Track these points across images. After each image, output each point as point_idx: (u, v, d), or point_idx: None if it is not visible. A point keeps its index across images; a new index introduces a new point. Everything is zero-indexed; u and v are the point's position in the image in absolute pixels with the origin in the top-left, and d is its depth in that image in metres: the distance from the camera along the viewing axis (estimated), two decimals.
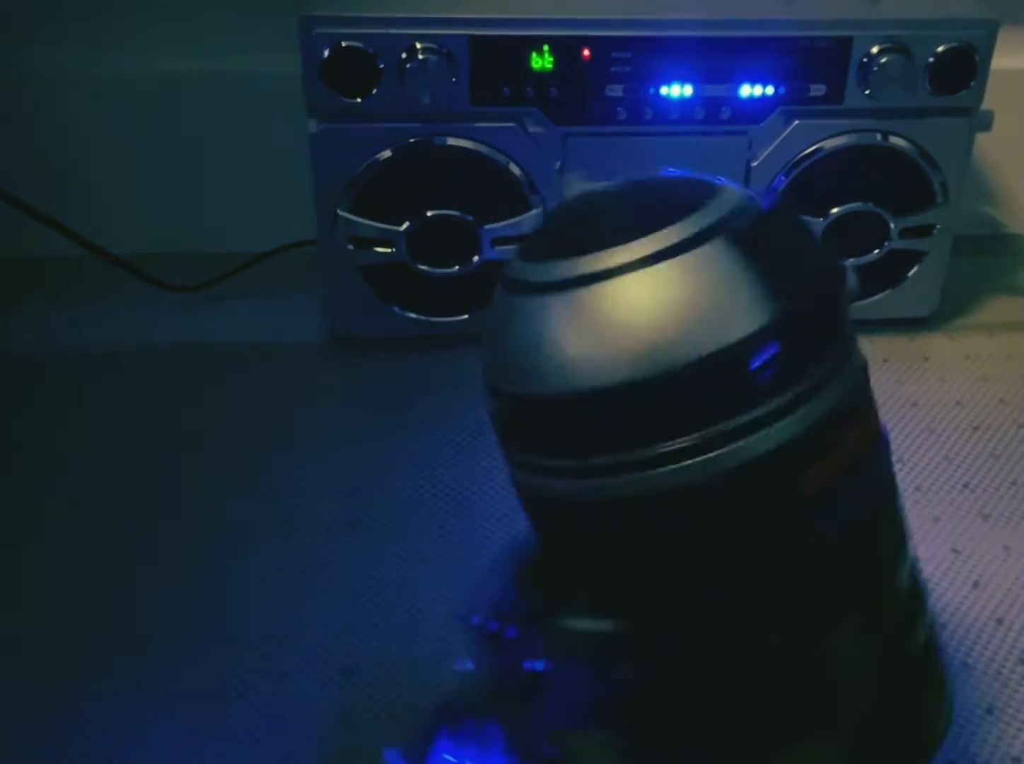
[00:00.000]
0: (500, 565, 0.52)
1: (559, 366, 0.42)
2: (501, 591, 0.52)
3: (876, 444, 0.47)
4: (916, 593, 0.50)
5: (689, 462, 0.42)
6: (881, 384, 0.96)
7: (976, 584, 0.76)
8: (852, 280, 0.46)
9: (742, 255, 0.42)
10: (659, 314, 0.41)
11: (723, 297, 0.41)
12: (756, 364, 0.41)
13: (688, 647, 0.46)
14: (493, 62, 0.88)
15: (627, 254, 0.42)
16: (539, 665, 0.50)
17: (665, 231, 0.42)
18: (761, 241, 0.43)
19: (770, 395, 0.42)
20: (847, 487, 0.45)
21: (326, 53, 0.86)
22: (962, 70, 0.91)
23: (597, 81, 0.89)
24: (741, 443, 0.42)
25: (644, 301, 0.41)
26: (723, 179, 0.46)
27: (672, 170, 0.48)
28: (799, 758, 0.47)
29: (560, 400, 0.42)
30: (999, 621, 0.73)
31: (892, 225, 0.97)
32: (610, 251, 0.42)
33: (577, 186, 0.93)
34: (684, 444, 0.42)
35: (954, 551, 0.79)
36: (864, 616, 0.47)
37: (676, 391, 0.41)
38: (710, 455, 0.42)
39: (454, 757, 0.54)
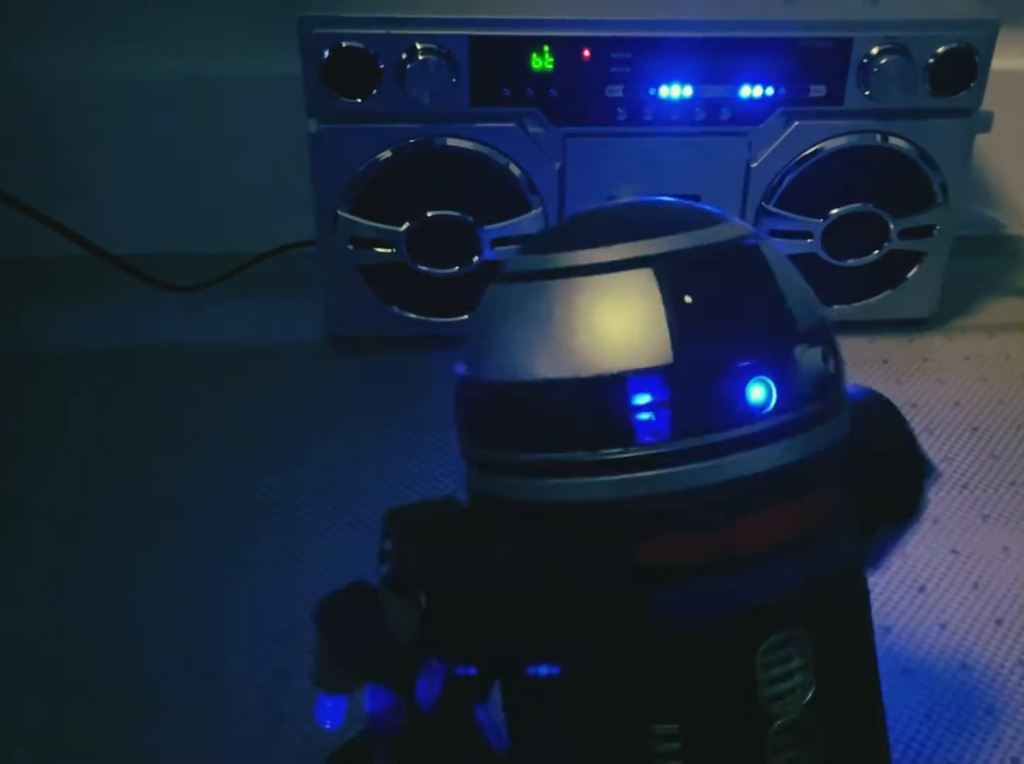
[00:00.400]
0: None
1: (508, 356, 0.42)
2: None
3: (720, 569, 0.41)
4: None
5: (577, 480, 0.41)
6: (880, 385, 0.95)
7: (975, 585, 0.76)
8: (813, 357, 0.42)
9: (660, 292, 0.40)
10: (570, 323, 0.41)
11: (633, 325, 0.40)
12: (635, 402, 0.39)
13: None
14: (493, 62, 0.88)
15: (569, 259, 0.42)
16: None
17: (616, 247, 0.41)
18: (692, 286, 0.41)
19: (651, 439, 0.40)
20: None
21: (326, 53, 0.86)
22: (962, 71, 0.92)
23: (597, 81, 0.89)
24: (583, 480, 0.40)
25: (565, 307, 0.41)
26: (725, 214, 0.44)
27: (693, 202, 0.47)
28: None
29: (506, 389, 0.42)
30: (998, 622, 0.73)
31: (892, 226, 0.97)
32: (565, 254, 0.42)
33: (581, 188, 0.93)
34: (577, 459, 0.40)
35: (953, 552, 0.79)
36: None
37: (572, 403, 0.40)
38: (551, 481, 0.41)
39: None
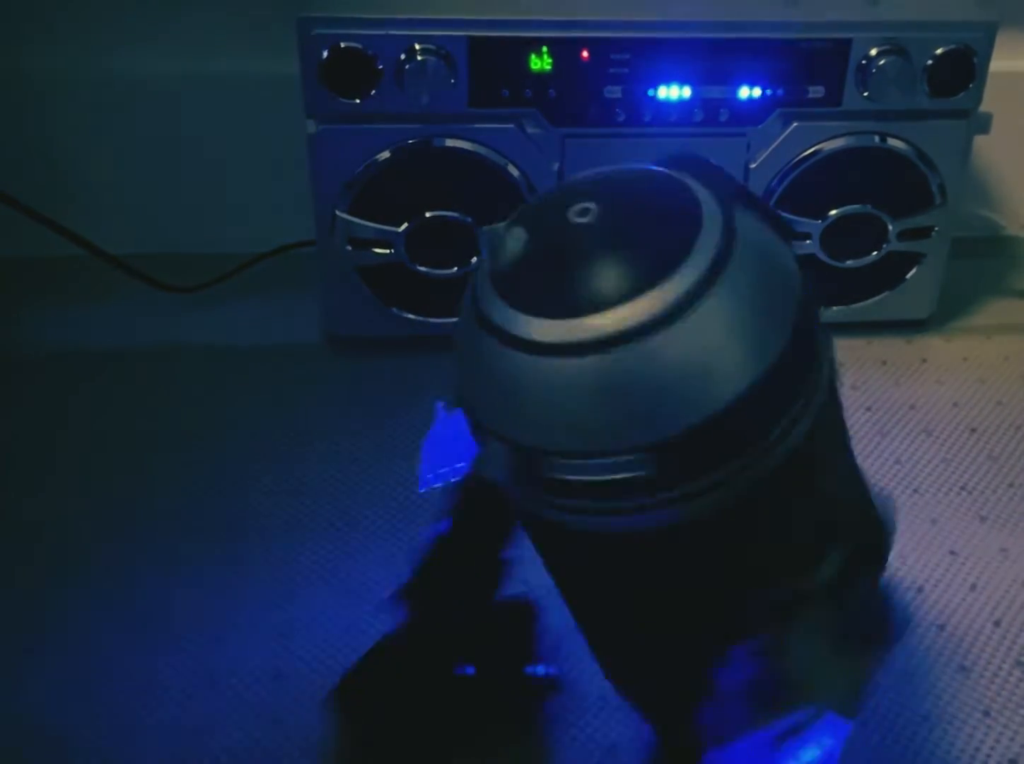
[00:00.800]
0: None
1: (583, 426, 0.43)
2: None
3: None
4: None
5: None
6: (879, 386, 0.96)
7: (974, 586, 0.76)
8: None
9: (736, 305, 0.43)
10: (676, 375, 0.43)
11: (724, 353, 0.43)
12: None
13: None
14: (492, 63, 0.88)
15: (635, 315, 0.42)
16: None
17: (665, 287, 0.43)
18: (746, 285, 0.44)
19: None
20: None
21: (325, 54, 0.86)
22: (960, 72, 0.92)
23: (596, 82, 0.89)
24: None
25: (661, 364, 0.43)
26: (699, 189, 0.46)
27: (644, 170, 0.48)
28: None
29: (587, 454, 0.44)
30: (996, 623, 0.74)
31: (890, 227, 0.97)
32: (617, 311, 0.43)
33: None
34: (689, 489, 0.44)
35: (952, 553, 0.79)
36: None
37: (691, 444, 0.43)
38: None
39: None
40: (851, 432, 0.53)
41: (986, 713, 0.67)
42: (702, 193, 0.46)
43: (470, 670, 0.60)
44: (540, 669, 0.60)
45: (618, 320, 0.42)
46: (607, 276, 0.44)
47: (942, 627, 0.73)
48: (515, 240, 0.46)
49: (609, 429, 0.43)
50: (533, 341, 0.44)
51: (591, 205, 0.45)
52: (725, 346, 0.43)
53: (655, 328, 0.42)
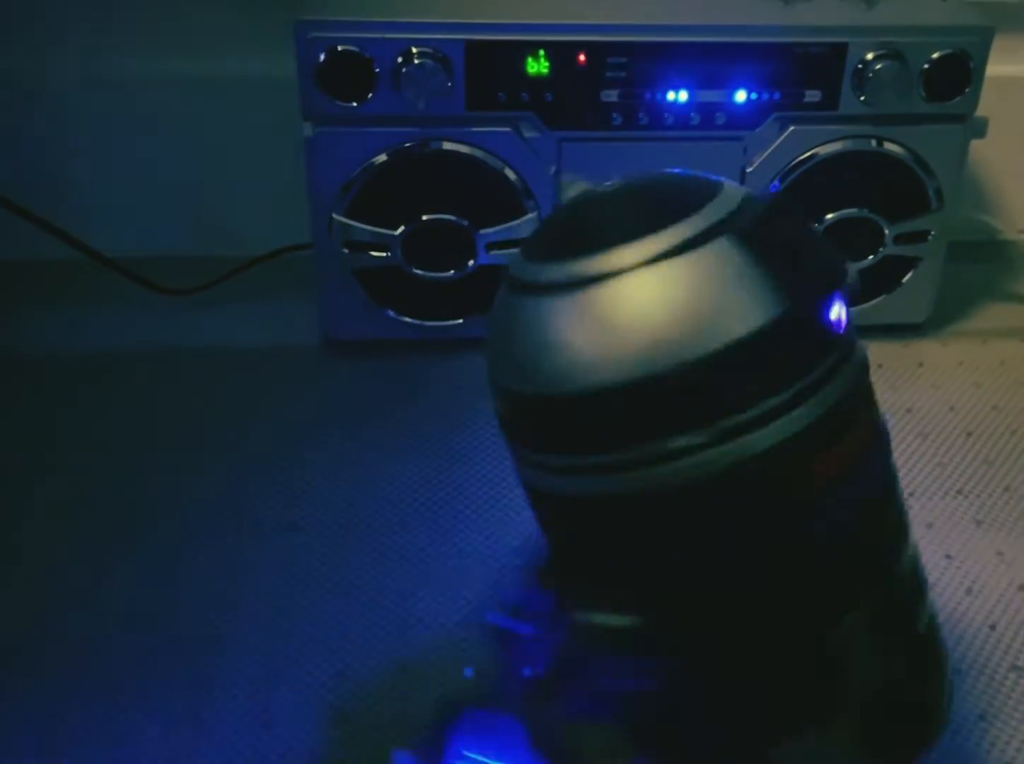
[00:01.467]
0: (516, 565, 0.53)
1: (570, 366, 0.43)
2: (518, 591, 0.53)
3: (878, 437, 0.48)
4: (918, 576, 0.51)
5: (696, 457, 0.42)
6: (875, 390, 0.96)
7: (969, 590, 0.76)
8: (853, 275, 0.46)
9: (746, 252, 0.43)
10: (667, 311, 0.42)
11: (730, 293, 0.42)
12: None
13: (703, 641, 0.46)
14: (488, 67, 0.88)
15: (633, 254, 0.42)
16: (540, 667, 0.50)
17: (670, 230, 0.43)
18: (764, 237, 0.43)
19: (776, 390, 0.42)
20: (853, 478, 0.46)
21: (322, 57, 0.86)
22: (956, 77, 0.92)
23: (592, 86, 0.89)
24: (748, 437, 0.42)
25: (651, 299, 0.42)
26: (721, 177, 0.46)
27: (672, 170, 0.48)
28: (811, 744, 0.48)
29: (573, 399, 0.43)
30: (992, 627, 0.74)
31: (887, 231, 0.97)
32: (616, 250, 0.43)
33: (573, 187, 0.93)
34: (691, 440, 0.42)
35: (947, 557, 0.79)
36: (873, 600, 0.48)
37: (684, 387, 0.42)
38: (718, 449, 0.42)
39: (477, 753, 0.54)
40: None
41: (982, 717, 0.67)
42: (731, 183, 0.46)
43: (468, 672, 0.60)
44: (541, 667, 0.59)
45: (612, 259, 0.43)
46: (610, 224, 0.44)
47: None
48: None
49: (601, 361, 0.42)
50: (532, 282, 0.44)
51: (617, 180, 0.47)
52: (720, 293, 0.42)
53: (651, 262, 0.42)
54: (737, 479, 0.43)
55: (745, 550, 0.44)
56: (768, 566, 0.45)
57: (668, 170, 0.48)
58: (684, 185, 0.47)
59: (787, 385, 0.43)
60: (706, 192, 0.44)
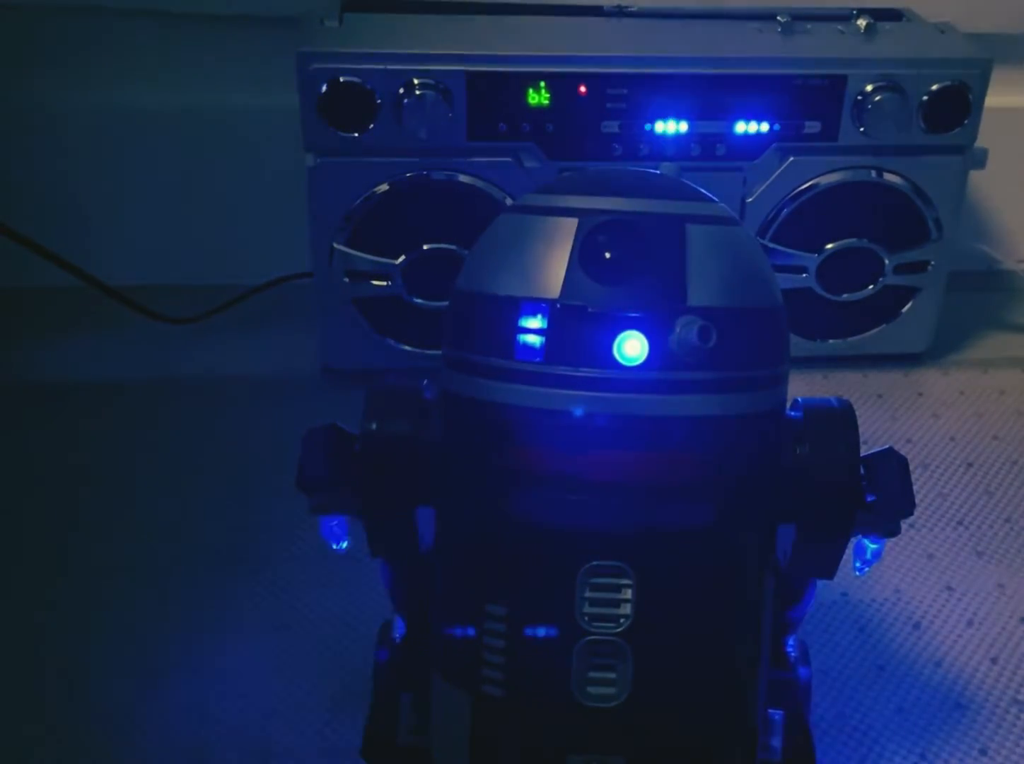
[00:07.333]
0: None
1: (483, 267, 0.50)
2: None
3: None
4: None
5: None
6: (875, 420, 0.96)
7: (970, 623, 0.76)
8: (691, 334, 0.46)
9: (573, 240, 0.47)
10: (508, 250, 0.49)
11: (535, 261, 0.47)
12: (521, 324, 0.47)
13: None
14: (490, 98, 0.88)
15: (596, 203, 0.47)
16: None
17: (577, 198, 0.48)
18: (599, 242, 0.47)
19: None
20: None
21: (323, 88, 0.86)
22: (956, 108, 0.92)
23: (593, 117, 0.90)
24: (478, 381, 0.48)
25: (513, 235, 0.49)
26: (705, 196, 0.52)
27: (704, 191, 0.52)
28: None
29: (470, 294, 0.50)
30: (993, 660, 0.73)
31: (886, 261, 0.97)
32: (588, 198, 0.48)
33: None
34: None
35: (948, 589, 0.79)
36: None
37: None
38: (462, 376, 0.49)
39: None
40: None
41: (983, 752, 0.67)
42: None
43: None
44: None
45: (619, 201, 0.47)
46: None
47: (938, 663, 0.73)
48: None
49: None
50: (536, 205, 0.49)
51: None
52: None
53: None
54: None
55: None
56: None
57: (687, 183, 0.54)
58: (655, 183, 0.53)
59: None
60: (644, 190, 0.50)
